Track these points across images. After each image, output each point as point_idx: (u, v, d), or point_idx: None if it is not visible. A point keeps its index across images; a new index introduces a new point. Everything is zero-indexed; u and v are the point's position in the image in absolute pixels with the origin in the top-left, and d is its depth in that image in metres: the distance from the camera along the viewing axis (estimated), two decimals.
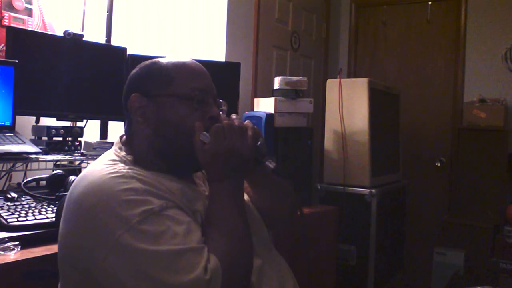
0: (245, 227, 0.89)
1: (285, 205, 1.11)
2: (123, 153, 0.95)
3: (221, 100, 1.01)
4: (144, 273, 0.76)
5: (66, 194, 0.90)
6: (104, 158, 0.95)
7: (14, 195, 1.40)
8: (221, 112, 0.99)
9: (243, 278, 0.85)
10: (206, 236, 0.85)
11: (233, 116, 0.95)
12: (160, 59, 0.98)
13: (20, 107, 1.67)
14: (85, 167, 1.85)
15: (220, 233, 0.85)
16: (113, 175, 0.84)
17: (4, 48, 1.73)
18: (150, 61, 0.99)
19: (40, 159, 1.56)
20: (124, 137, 1.00)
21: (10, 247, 1.10)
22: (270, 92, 2.52)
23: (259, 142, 0.93)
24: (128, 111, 0.96)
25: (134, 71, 0.99)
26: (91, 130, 2.09)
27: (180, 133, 0.92)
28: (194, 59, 1.01)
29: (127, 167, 0.89)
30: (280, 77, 2.44)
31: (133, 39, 2.43)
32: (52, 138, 1.77)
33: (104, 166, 0.88)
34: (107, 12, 2.27)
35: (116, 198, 0.80)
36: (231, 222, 0.87)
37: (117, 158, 0.93)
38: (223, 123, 0.90)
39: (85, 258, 0.81)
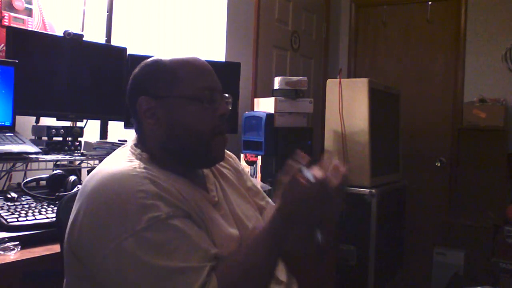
0: (270, 274, 0.85)
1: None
2: (138, 150, 0.94)
3: (227, 95, 1.00)
4: (136, 285, 0.77)
5: (66, 194, 0.90)
6: (121, 153, 0.94)
7: (14, 195, 1.40)
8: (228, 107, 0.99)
9: None
10: (231, 254, 0.84)
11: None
12: (162, 58, 0.96)
13: (20, 107, 1.67)
14: (85, 167, 1.87)
15: (239, 265, 0.82)
16: (131, 173, 0.84)
17: (4, 48, 1.73)
18: (151, 59, 0.97)
19: (40, 159, 1.56)
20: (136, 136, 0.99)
21: (10, 247, 1.10)
22: (270, 92, 2.52)
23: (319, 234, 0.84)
24: (136, 113, 0.95)
25: (136, 71, 0.97)
26: (91, 130, 2.09)
27: (193, 134, 0.92)
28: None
29: (143, 165, 0.88)
30: (280, 77, 2.44)
31: (133, 39, 2.43)
32: (52, 138, 1.77)
33: (122, 162, 0.89)
34: (107, 12, 2.27)
35: (129, 199, 0.80)
36: (259, 262, 0.82)
37: (133, 156, 0.93)
38: (339, 183, 0.86)
39: (87, 251, 0.82)
